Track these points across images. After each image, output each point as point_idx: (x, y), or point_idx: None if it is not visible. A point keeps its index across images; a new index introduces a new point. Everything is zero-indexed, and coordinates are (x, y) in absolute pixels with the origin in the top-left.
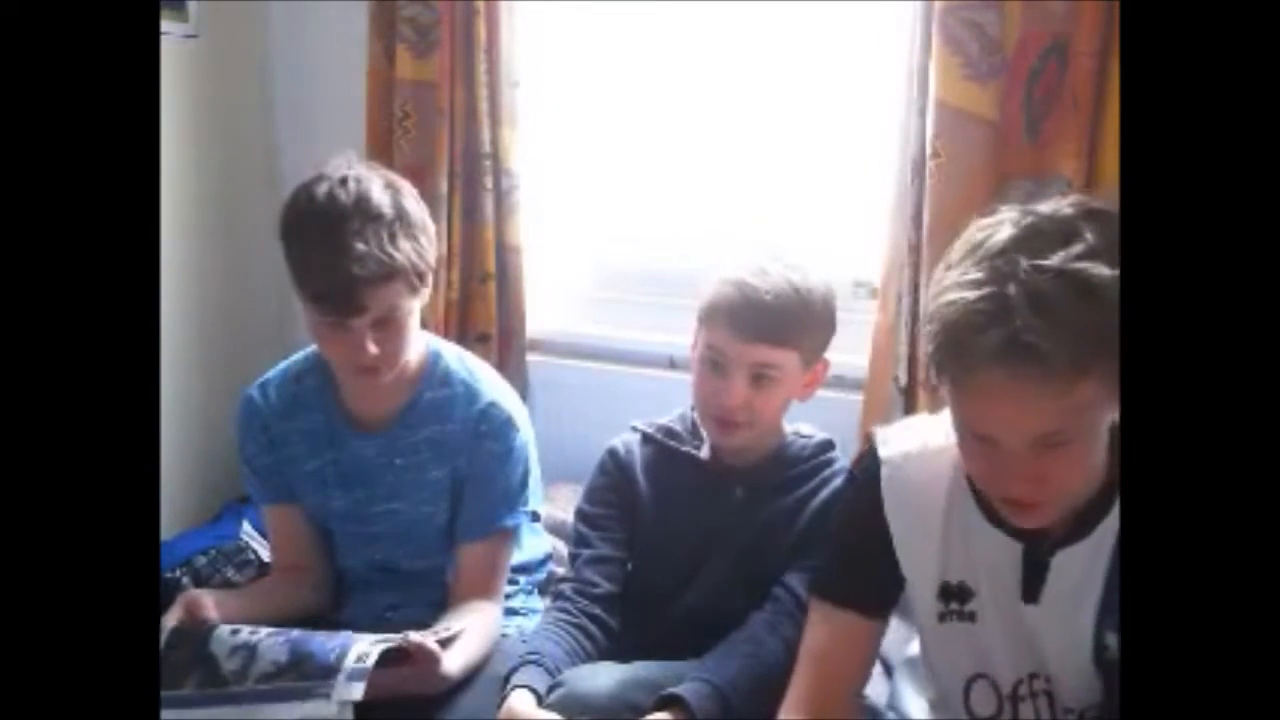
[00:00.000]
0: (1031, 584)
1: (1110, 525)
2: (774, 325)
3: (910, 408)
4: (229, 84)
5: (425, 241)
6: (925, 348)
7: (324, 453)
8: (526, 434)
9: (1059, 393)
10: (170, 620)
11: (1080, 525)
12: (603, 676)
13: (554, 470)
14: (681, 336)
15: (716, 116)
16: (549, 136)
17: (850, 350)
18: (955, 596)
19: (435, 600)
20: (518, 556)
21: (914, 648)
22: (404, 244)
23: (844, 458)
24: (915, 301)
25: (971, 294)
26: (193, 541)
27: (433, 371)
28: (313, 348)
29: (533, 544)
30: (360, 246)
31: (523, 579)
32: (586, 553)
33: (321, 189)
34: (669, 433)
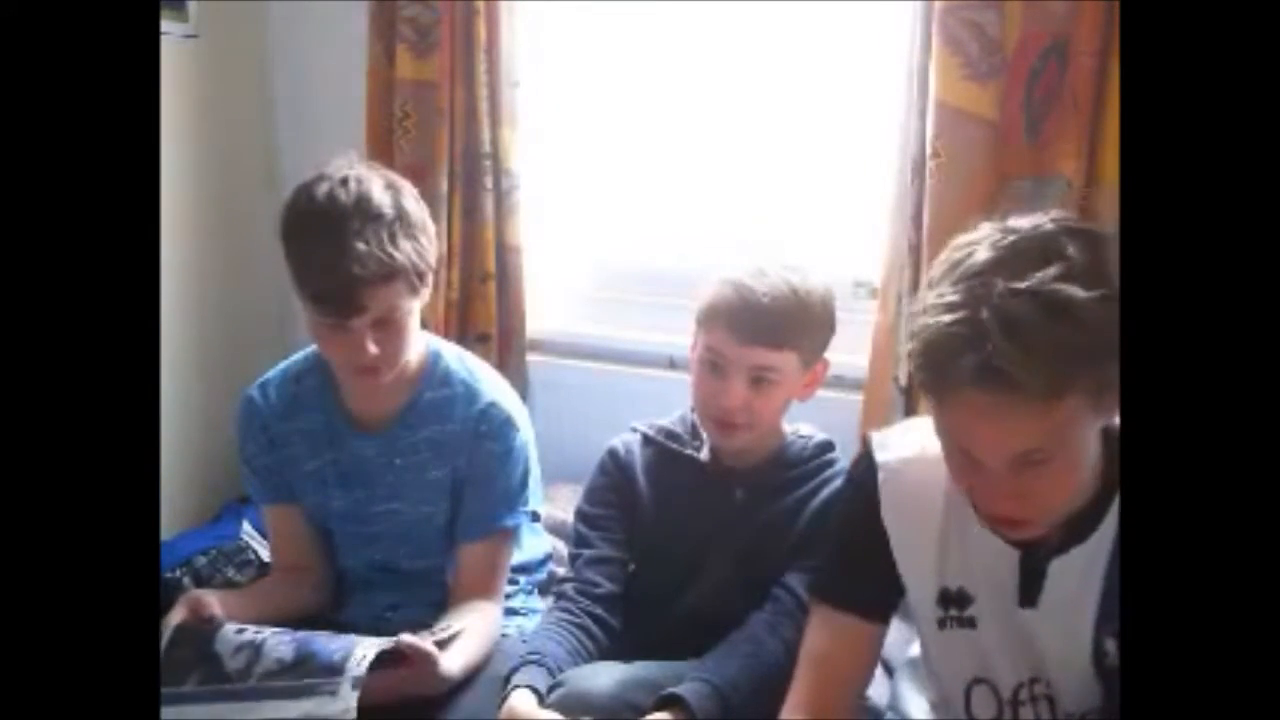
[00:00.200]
0: (1029, 589)
1: (1107, 531)
2: (773, 327)
3: (910, 408)
4: (229, 84)
5: (425, 242)
6: (908, 365)
7: (324, 453)
8: (526, 434)
9: (1037, 415)
10: (174, 619)
11: (1077, 531)
12: (603, 676)
13: (554, 470)
14: (681, 336)
15: (716, 116)
16: (549, 136)
17: (850, 350)
18: (954, 602)
19: (435, 600)
20: (518, 556)
21: (915, 649)
22: (404, 244)
23: (844, 458)
24: (915, 302)
25: (946, 317)
26: (193, 541)
27: (433, 371)
28: (313, 348)
29: (533, 544)
30: (360, 246)
31: (523, 579)
32: (587, 553)
33: (322, 189)
34: (669, 434)
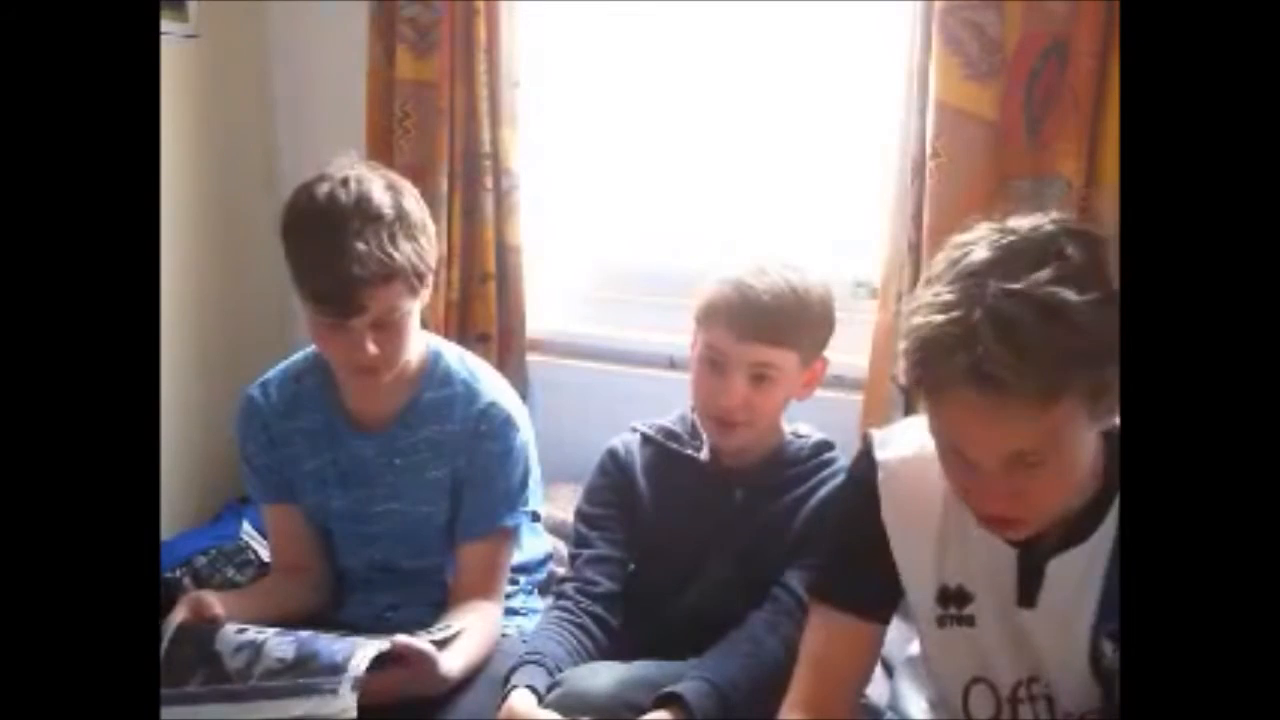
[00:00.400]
0: (1027, 589)
1: (1106, 531)
2: (772, 325)
3: (910, 407)
4: (229, 84)
5: (425, 242)
6: (903, 360)
7: (324, 452)
8: (526, 434)
9: (1028, 417)
10: (175, 619)
11: (1076, 531)
12: (602, 675)
13: (554, 470)
14: (681, 336)
15: (716, 116)
16: (549, 136)
17: (850, 350)
18: (953, 600)
19: (435, 600)
20: (518, 556)
21: (914, 647)
22: (404, 245)
23: (844, 458)
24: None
25: (939, 316)
26: (193, 541)
27: (433, 371)
28: (313, 347)
29: (533, 544)
30: (360, 247)
31: (523, 579)
32: (587, 552)
33: (323, 189)
34: (668, 434)
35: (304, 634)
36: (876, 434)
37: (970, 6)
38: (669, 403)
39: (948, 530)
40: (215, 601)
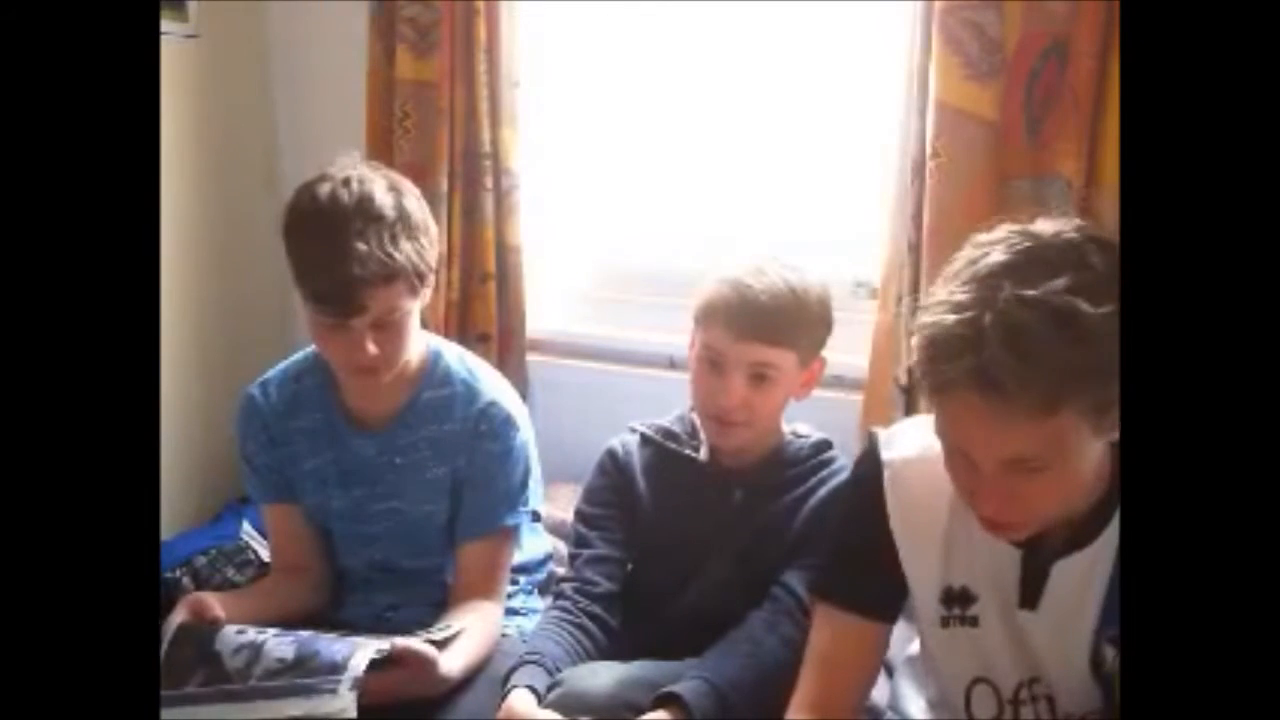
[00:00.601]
0: (1030, 590)
1: (1111, 536)
2: (771, 325)
3: (910, 408)
4: (229, 84)
5: (426, 243)
6: (911, 355)
7: (324, 451)
8: (526, 433)
9: (1029, 424)
10: (175, 620)
11: (1081, 534)
12: (602, 675)
13: (554, 470)
14: (681, 336)
15: (717, 116)
16: (549, 136)
17: (850, 350)
18: (957, 601)
19: (435, 600)
20: (518, 556)
21: (914, 647)
22: (405, 245)
23: (843, 457)
24: (915, 301)
25: (951, 317)
26: (193, 541)
27: (433, 371)
28: (313, 347)
29: (533, 544)
30: (361, 247)
31: (523, 579)
32: (586, 553)
33: (324, 189)
34: (667, 434)
35: (303, 634)
36: (882, 433)
37: (970, 6)
38: (669, 403)
39: (953, 531)
40: (215, 603)
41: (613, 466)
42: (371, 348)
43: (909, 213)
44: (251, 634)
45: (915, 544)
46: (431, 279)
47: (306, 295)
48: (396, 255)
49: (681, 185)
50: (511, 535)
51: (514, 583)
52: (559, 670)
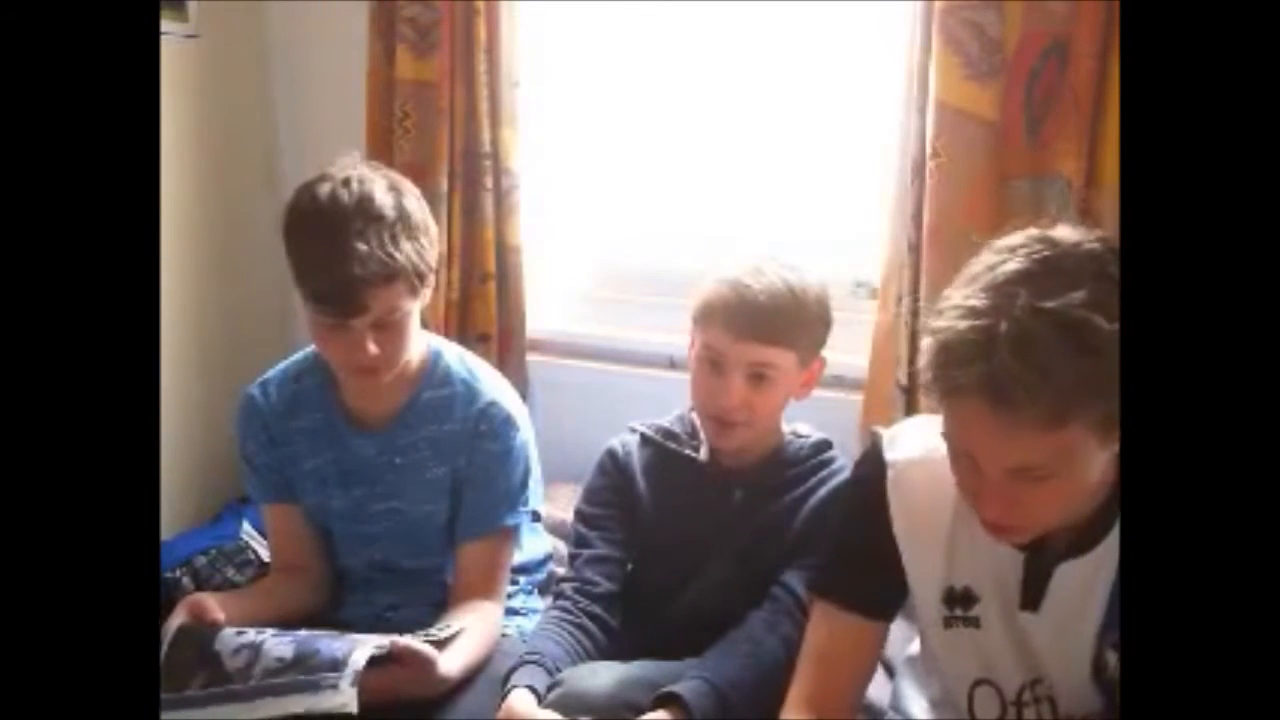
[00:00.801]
0: (1031, 592)
1: (1114, 541)
2: (770, 324)
3: (910, 408)
4: (229, 84)
5: (427, 243)
6: (921, 358)
7: (324, 451)
8: (526, 433)
9: (1036, 435)
10: (175, 622)
11: (1084, 539)
12: (602, 675)
13: (554, 470)
14: (681, 336)
15: (717, 116)
16: (549, 136)
17: (850, 350)
18: (959, 602)
19: (435, 600)
20: (518, 557)
21: (915, 647)
22: (405, 245)
23: (843, 457)
24: (915, 301)
25: (964, 322)
26: (193, 541)
27: (433, 371)
28: (313, 347)
29: (533, 544)
30: (362, 247)
31: (523, 579)
32: (586, 553)
33: (325, 189)
34: (667, 434)
35: (302, 633)
36: (885, 433)
37: (970, 6)
38: (669, 403)
39: (956, 531)
40: (214, 606)
41: (613, 466)
42: (372, 348)
43: (909, 213)
44: (251, 634)
45: (918, 544)
46: (432, 279)
47: (307, 295)
48: (397, 255)
49: (681, 185)
50: (511, 535)
51: (514, 583)
52: (559, 670)
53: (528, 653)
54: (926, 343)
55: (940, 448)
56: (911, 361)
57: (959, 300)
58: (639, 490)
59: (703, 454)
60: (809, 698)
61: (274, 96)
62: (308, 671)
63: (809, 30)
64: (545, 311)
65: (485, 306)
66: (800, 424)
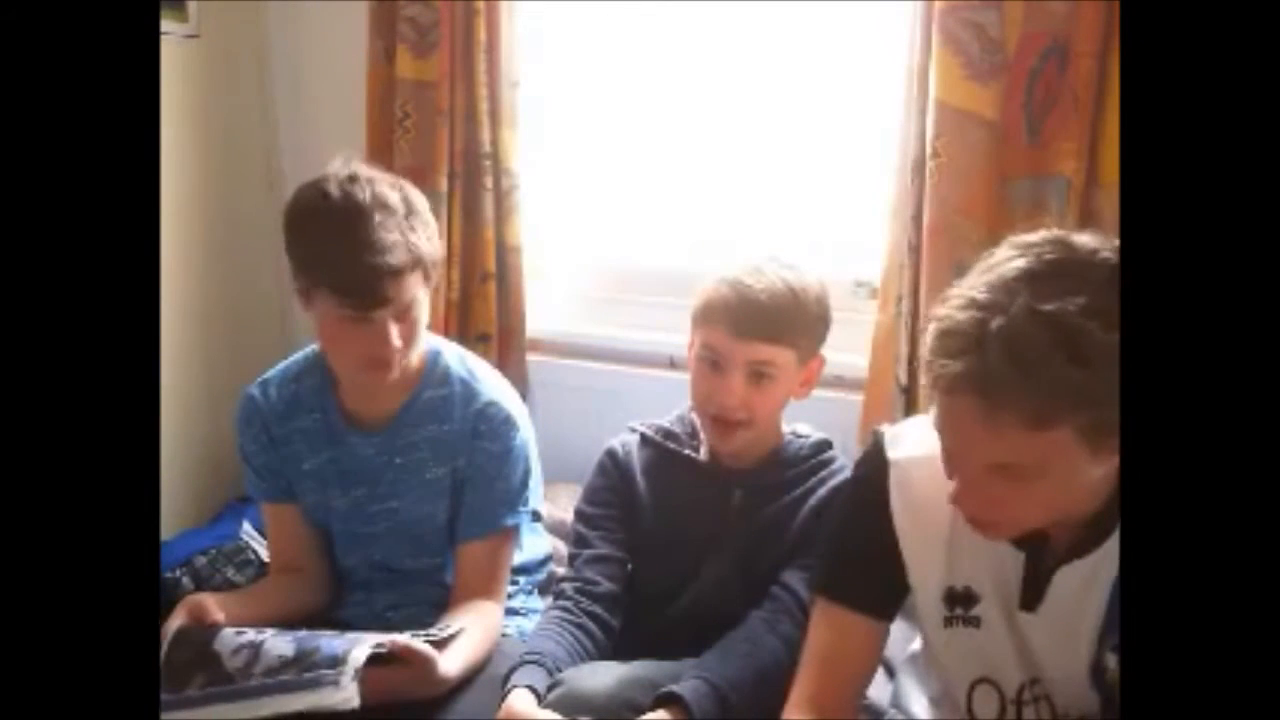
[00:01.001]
0: (1031, 593)
1: (1115, 544)
2: (770, 323)
3: (910, 408)
4: (229, 84)
5: (432, 234)
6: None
7: (323, 451)
8: (526, 433)
9: (1019, 434)
10: (174, 623)
11: (1086, 541)
12: (602, 675)
13: (554, 470)
14: (681, 336)
15: (717, 116)
16: (549, 136)
17: (850, 350)
18: (960, 601)
19: (435, 600)
20: (518, 557)
21: (915, 646)
22: (420, 234)
23: (843, 457)
24: (915, 301)
25: (962, 314)
26: (193, 541)
27: (432, 370)
28: (313, 347)
29: (533, 544)
30: (387, 237)
31: (523, 579)
32: (587, 553)
33: (336, 185)
34: (667, 434)
35: (303, 632)
36: (888, 431)
37: (970, 6)
38: (669, 403)
39: (958, 531)
40: (214, 607)
41: (613, 466)
42: (395, 339)
43: (909, 213)
44: (251, 634)
45: (919, 543)
46: (437, 270)
47: (331, 290)
48: (417, 243)
49: (682, 185)
50: (511, 535)
51: (514, 583)
52: (559, 670)
53: (528, 652)
54: (930, 328)
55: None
56: (911, 361)
57: (964, 291)
58: (639, 490)
59: (702, 454)
60: (812, 698)
61: (274, 96)
62: (308, 669)
63: (809, 30)
64: (545, 311)
65: (485, 306)
66: (800, 424)
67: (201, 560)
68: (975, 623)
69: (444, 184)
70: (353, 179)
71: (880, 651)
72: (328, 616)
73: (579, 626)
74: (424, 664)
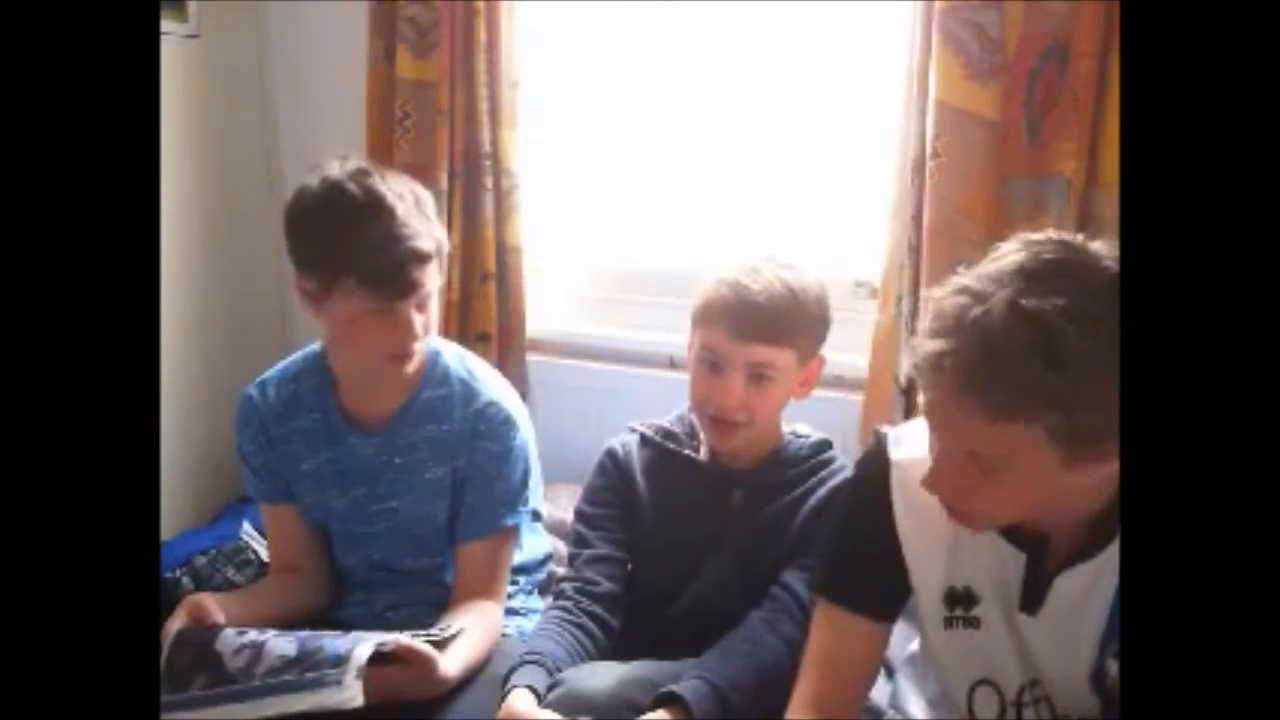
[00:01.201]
0: (1032, 596)
1: (1116, 550)
2: (769, 324)
3: (910, 408)
4: (229, 84)
5: (440, 226)
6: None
7: (322, 452)
8: (526, 433)
9: (984, 424)
10: (174, 624)
11: (1087, 546)
12: (602, 675)
13: (554, 470)
14: (681, 336)
15: (717, 116)
16: (549, 136)
17: (850, 350)
18: (960, 602)
19: (435, 600)
20: (518, 557)
21: (914, 646)
22: (435, 224)
23: (843, 457)
24: (915, 301)
25: (953, 299)
26: (193, 541)
27: (432, 370)
28: (312, 347)
29: (533, 544)
30: (413, 224)
31: (523, 579)
32: (587, 553)
33: (350, 180)
34: (667, 434)
35: (304, 633)
36: (890, 432)
37: (970, 6)
38: (669, 403)
39: (959, 531)
40: (215, 608)
41: (613, 466)
42: (419, 328)
43: (909, 213)
44: (252, 634)
45: (921, 544)
46: (445, 264)
47: (356, 282)
48: (437, 232)
49: (681, 185)
50: (511, 535)
51: (514, 583)
52: (559, 670)
53: (528, 652)
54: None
55: None
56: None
57: (959, 279)
58: (639, 490)
59: (702, 454)
60: (815, 700)
61: (274, 96)
62: (311, 669)
63: (809, 30)
64: (545, 311)
65: (485, 306)
66: (800, 424)
67: (201, 560)
68: (975, 623)
69: (444, 184)
70: (364, 172)
71: (882, 652)
72: (328, 616)
73: (579, 626)
74: (424, 664)
